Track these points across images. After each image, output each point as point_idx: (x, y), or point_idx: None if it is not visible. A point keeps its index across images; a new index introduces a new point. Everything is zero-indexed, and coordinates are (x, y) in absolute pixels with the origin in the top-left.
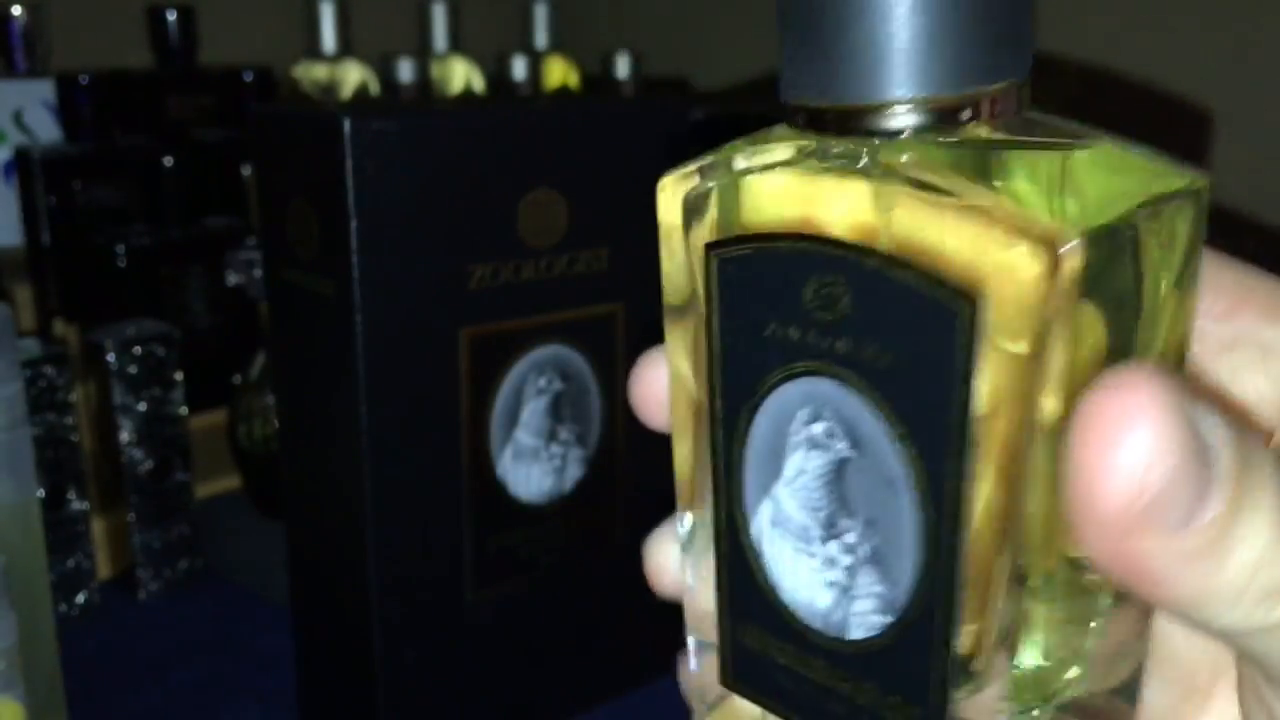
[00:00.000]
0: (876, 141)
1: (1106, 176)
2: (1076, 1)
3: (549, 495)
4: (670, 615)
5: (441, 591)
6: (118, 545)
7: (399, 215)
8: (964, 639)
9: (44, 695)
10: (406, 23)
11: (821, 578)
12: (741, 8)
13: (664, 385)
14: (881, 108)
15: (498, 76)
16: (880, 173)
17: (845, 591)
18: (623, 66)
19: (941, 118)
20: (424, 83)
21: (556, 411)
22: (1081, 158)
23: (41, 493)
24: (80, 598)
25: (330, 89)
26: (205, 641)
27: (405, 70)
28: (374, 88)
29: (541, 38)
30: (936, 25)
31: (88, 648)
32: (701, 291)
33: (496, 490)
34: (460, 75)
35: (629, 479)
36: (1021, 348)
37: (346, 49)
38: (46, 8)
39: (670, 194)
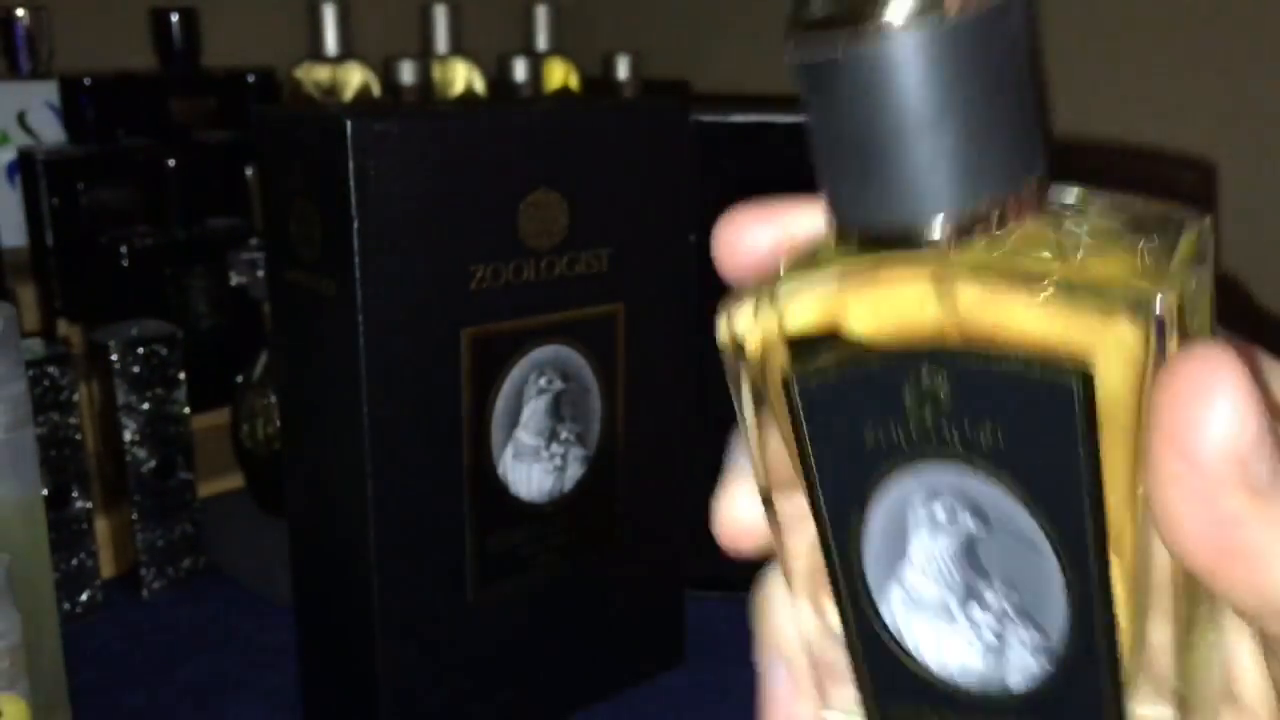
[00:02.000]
0: (925, 251)
1: (1120, 234)
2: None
3: (549, 495)
4: (670, 614)
5: (443, 590)
6: (121, 544)
7: (401, 216)
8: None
9: (48, 693)
10: (408, 25)
11: (971, 643)
12: (742, 9)
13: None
14: (920, 225)
15: (499, 78)
16: (940, 273)
17: (998, 649)
18: (623, 68)
19: (974, 224)
20: (425, 84)
21: (557, 411)
22: (1099, 224)
23: (45, 492)
24: (84, 596)
25: (332, 91)
26: (208, 640)
27: (407, 72)
28: (376, 89)
29: (542, 40)
30: (962, 144)
31: (91, 646)
32: (780, 411)
33: (497, 490)
34: (462, 77)
35: (629, 479)
36: (1127, 407)
37: (349, 51)
38: (50, 9)
39: (730, 324)
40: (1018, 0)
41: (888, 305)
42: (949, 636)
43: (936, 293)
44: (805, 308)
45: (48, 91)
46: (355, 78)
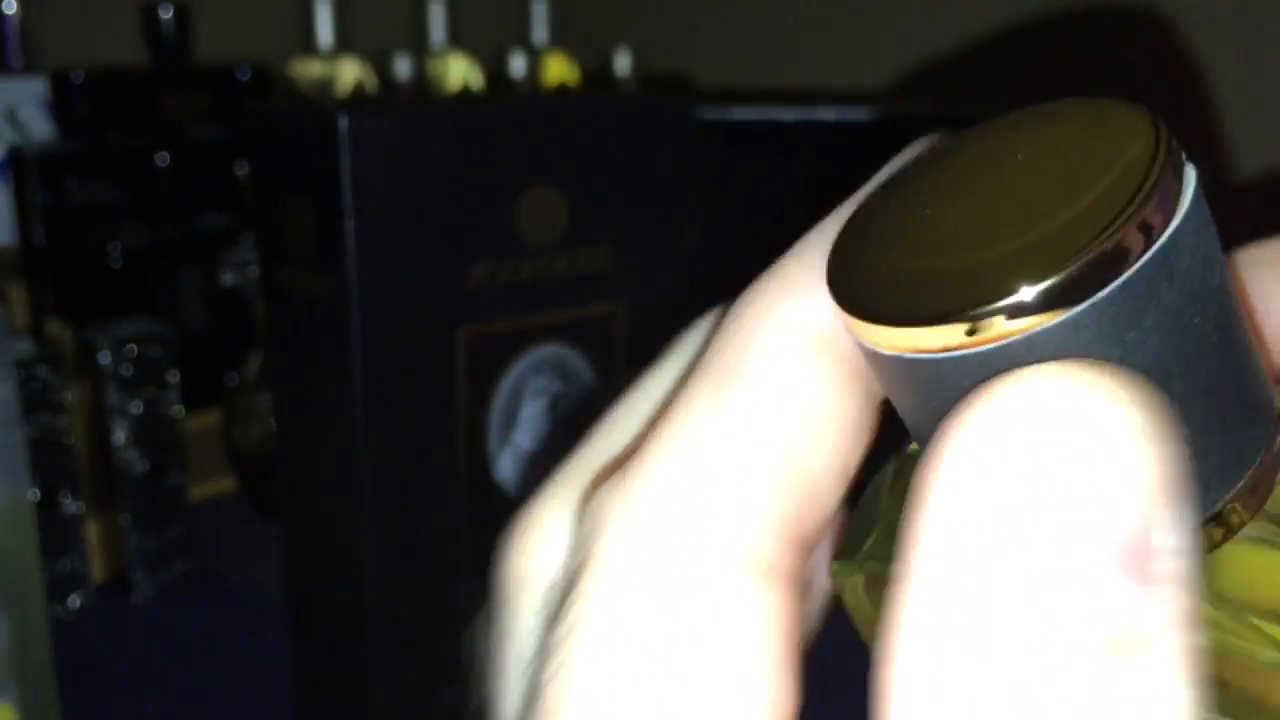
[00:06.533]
0: None
1: None
2: None
3: None
4: None
5: (438, 594)
6: (112, 548)
7: (396, 213)
8: None
9: (37, 699)
10: (403, 19)
11: None
12: (742, 6)
13: None
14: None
15: (496, 73)
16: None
17: None
18: (622, 63)
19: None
20: (421, 79)
21: (556, 413)
22: None
23: (34, 494)
24: (74, 601)
25: (326, 86)
26: (200, 645)
27: (402, 67)
28: (371, 84)
29: (540, 34)
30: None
31: (81, 651)
32: None
33: (494, 492)
34: (458, 72)
35: None
36: None
37: (343, 45)
38: (40, 4)
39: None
40: (1195, 218)
41: None
42: None
43: None
44: None
45: (38, 87)
46: (349, 73)
